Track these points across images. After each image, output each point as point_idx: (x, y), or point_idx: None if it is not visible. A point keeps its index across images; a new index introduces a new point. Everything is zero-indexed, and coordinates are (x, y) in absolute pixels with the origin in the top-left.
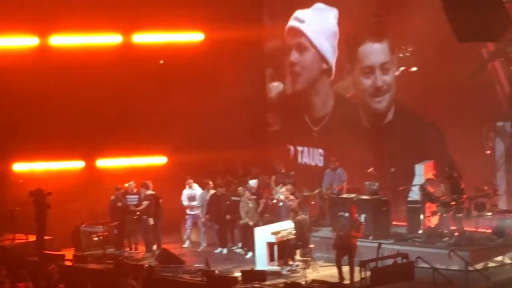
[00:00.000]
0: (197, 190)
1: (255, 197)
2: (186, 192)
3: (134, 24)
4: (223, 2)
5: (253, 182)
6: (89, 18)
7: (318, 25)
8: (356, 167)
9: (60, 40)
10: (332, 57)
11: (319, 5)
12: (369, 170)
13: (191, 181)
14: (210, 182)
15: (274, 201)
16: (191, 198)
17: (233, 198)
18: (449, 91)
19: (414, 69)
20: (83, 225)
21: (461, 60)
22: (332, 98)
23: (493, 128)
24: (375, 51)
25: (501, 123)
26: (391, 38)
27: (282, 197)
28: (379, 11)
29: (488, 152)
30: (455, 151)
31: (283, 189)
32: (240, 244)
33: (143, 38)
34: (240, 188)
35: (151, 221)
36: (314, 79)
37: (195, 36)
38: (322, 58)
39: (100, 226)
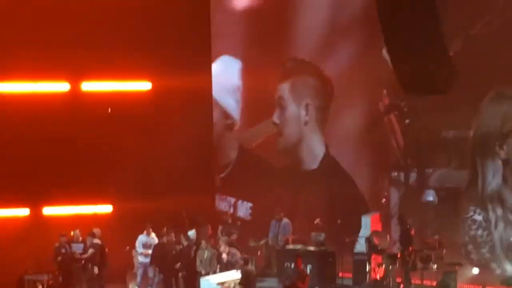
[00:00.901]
0: (153, 239)
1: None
2: (142, 239)
3: (83, 72)
4: (170, 51)
5: (191, 233)
6: (37, 65)
7: (224, 81)
8: (302, 218)
9: (7, 86)
10: (236, 111)
11: (225, 57)
12: (315, 221)
13: (150, 228)
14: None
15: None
16: (147, 245)
17: (178, 246)
18: (349, 141)
19: None
20: (28, 273)
21: (359, 113)
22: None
23: (388, 178)
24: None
25: (395, 173)
26: None
27: (224, 255)
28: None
29: (383, 200)
30: None
31: (224, 239)
32: None
33: (91, 86)
34: (182, 238)
35: (96, 269)
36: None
37: (142, 85)
38: (226, 115)
39: (45, 274)
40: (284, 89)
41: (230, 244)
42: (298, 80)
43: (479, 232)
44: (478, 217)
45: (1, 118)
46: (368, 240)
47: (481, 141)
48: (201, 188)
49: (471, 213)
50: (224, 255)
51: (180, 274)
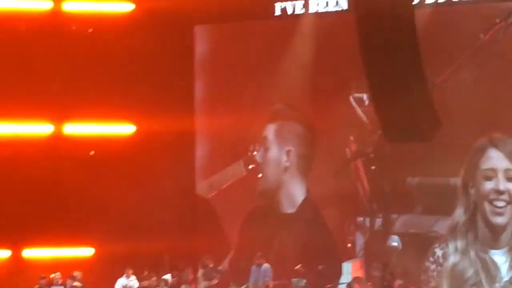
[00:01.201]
0: (133, 282)
1: None
2: (121, 282)
3: (65, 114)
4: (155, 94)
5: (167, 277)
6: (19, 106)
7: None
8: (283, 263)
9: None
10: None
11: None
12: (296, 267)
13: (130, 271)
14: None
15: None
16: None
17: None
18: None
19: None
20: None
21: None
22: None
23: (354, 223)
24: None
25: (361, 218)
26: None
27: None
28: None
29: (349, 245)
30: None
31: (204, 284)
32: None
33: (74, 128)
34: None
35: None
36: None
37: (126, 128)
38: None
39: None
40: (270, 130)
41: None
42: (285, 124)
43: (433, 266)
44: (439, 251)
45: None
46: (349, 286)
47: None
48: (183, 232)
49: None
50: None
51: None
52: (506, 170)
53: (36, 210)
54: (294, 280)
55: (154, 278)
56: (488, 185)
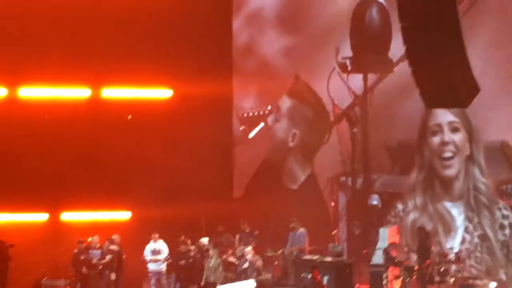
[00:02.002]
0: (161, 245)
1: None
2: (149, 247)
3: (104, 78)
4: (192, 58)
5: (205, 240)
6: (58, 71)
7: None
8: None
9: (29, 91)
10: None
11: None
12: (333, 232)
13: (156, 235)
14: (182, 237)
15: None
16: (154, 252)
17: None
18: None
19: None
20: (45, 278)
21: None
22: None
23: (337, 183)
24: None
25: (344, 178)
26: None
27: (249, 256)
28: None
29: (333, 204)
30: None
31: (249, 248)
32: None
33: (112, 92)
34: (192, 247)
35: (113, 276)
36: None
37: (163, 92)
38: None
39: (62, 280)
40: (285, 104)
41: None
42: (299, 106)
43: (393, 219)
44: (400, 206)
45: (22, 123)
46: (386, 252)
47: None
48: (221, 196)
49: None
50: (246, 264)
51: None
52: (450, 123)
53: (74, 174)
54: (330, 245)
55: (189, 241)
56: (436, 140)
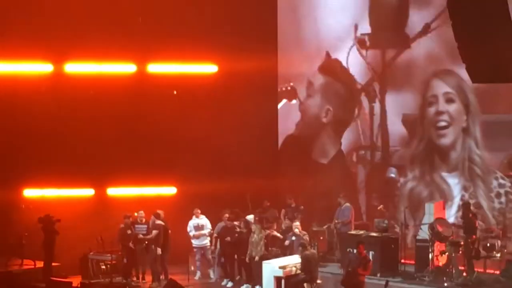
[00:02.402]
0: (204, 220)
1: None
2: (192, 222)
3: (149, 54)
4: (236, 34)
5: (250, 217)
6: (104, 46)
7: None
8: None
9: (75, 67)
10: None
11: None
12: (379, 207)
13: (198, 211)
14: (226, 215)
15: (276, 233)
16: (198, 227)
17: (239, 230)
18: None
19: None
20: (91, 253)
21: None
22: None
23: (356, 156)
24: None
25: (363, 152)
26: None
27: (297, 231)
28: None
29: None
30: None
31: (297, 223)
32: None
33: (157, 68)
34: (237, 222)
35: (159, 251)
36: None
37: (208, 68)
38: None
39: (108, 255)
40: (318, 80)
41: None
42: (332, 82)
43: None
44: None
45: (68, 99)
46: (431, 227)
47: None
48: (266, 171)
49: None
50: (293, 238)
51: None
52: (445, 93)
53: (119, 150)
54: (376, 220)
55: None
56: (431, 110)
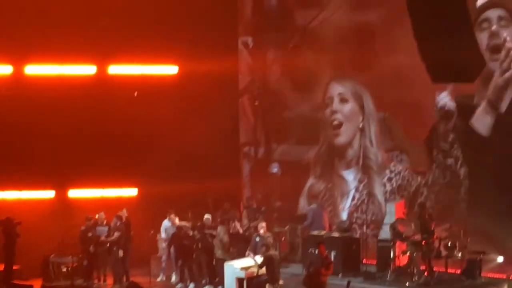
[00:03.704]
0: (177, 223)
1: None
2: (165, 224)
3: (109, 56)
4: (197, 35)
5: (207, 217)
6: (64, 48)
7: None
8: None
9: (35, 69)
10: None
11: None
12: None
13: (172, 213)
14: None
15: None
16: (170, 230)
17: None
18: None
19: None
20: (52, 255)
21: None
22: None
23: (241, 152)
24: None
25: (247, 148)
26: None
27: (261, 232)
28: None
29: None
30: None
31: (263, 224)
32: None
33: (118, 69)
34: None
35: (121, 252)
36: None
37: (169, 69)
38: None
39: (69, 257)
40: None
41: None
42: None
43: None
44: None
45: (28, 100)
46: (393, 227)
47: None
48: (227, 173)
49: None
50: (257, 239)
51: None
52: (339, 94)
53: (80, 151)
54: (336, 221)
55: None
56: (327, 111)
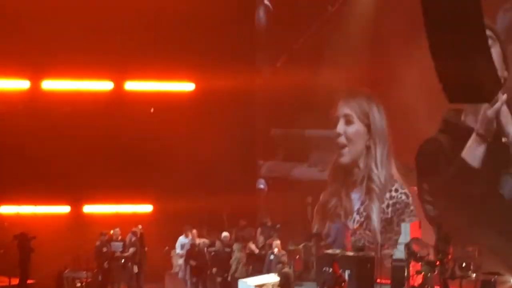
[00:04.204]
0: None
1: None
2: (181, 240)
3: (126, 72)
4: (214, 52)
5: (225, 235)
6: (81, 64)
7: None
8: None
9: (52, 84)
10: None
11: None
12: (355, 226)
13: (188, 230)
14: (194, 231)
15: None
16: (183, 246)
17: (212, 249)
18: None
19: None
20: (67, 270)
21: None
22: None
23: None
24: None
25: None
26: None
27: (276, 250)
28: None
29: None
30: None
31: (278, 242)
32: None
33: (134, 86)
34: (217, 241)
35: (135, 268)
36: None
37: (186, 86)
38: None
39: (84, 272)
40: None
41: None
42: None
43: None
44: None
45: (45, 115)
46: (407, 246)
47: None
48: (243, 190)
49: None
50: (271, 257)
51: (218, 279)
52: (345, 115)
53: (96, 167)
54: (352, 239)
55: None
56: (335, 131)
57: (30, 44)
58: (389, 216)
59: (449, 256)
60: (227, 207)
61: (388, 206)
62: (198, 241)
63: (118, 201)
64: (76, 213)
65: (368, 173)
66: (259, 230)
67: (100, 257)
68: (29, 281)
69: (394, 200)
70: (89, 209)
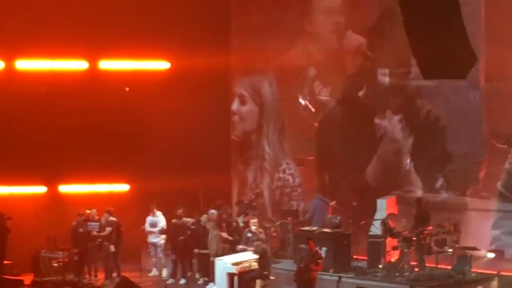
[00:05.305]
0: (159, 218)
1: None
2: (149, 219)
3: (101, 51)
4: (189, 31)
5: (212, 212)
6: (55, 43)
7: None
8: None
9: (26, 64)
10: None
11: None
12: (331, 203)
13: (154, 208)
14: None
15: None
16: (153, 225)
17: (192, 227)
18: None
19: None
20: (43, 251)
21: None
22: None
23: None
24: None
25: None
26: None
27: (253, 228)
28: None
29: None
30: None
31: (255, 220)
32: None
33: (109, 65)
34: (203, 217)
35: (112, 248)
36: None
37: (161, 64)
38: None
39: (60, 252)
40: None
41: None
42: None
43: None
44: None
45: (19, 95)
46: (384, 222)
47: None
48: (219, 168)
49: None
50: (249, 235)
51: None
52: (239, 95)
53: (72, 147)
54: (328, 216)
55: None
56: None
57: (3, 24)
58: (277, 198)
59: (425, 232)
60: (203, 186)
61: (277, 187)
62: (186, 220)
63: (94, 180)
64: (52, 193)
65: (261, 152)
66: (235, 208)
67: (76, 237)
68: (5, 262)
69: (281, 183)
70: (65, 189)
